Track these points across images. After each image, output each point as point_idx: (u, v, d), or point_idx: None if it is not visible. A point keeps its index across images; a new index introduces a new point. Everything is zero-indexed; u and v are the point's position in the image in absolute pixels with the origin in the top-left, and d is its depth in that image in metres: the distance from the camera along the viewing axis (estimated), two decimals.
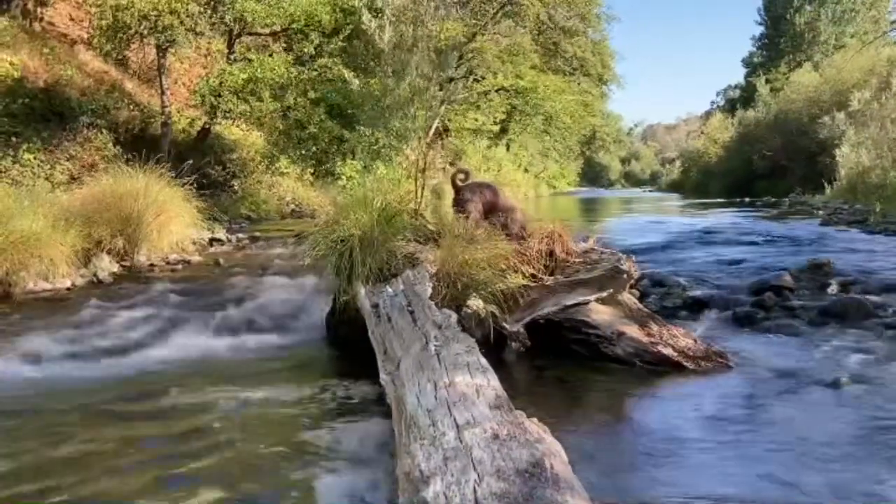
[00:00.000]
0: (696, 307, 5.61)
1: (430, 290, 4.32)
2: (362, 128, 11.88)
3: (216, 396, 3.77)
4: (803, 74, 32.00)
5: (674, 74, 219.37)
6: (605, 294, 4.41)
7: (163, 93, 13.30)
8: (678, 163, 60.67)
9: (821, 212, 15.64)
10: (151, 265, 7.88)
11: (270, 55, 13.74)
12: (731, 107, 50.76)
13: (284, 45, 15.67)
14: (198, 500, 2.60)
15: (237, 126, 15.82)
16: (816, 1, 42.89)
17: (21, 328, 5.15)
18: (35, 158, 10.88)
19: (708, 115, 61.42)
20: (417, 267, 4.67)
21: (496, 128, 32.58)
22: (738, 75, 73.71)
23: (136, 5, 11.23)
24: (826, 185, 20.05)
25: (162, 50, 12.83)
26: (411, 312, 3.89)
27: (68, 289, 6.63)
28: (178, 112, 14.98)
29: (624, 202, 34.53)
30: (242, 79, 12.82)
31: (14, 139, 11.02)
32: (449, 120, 24.68)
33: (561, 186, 50.80)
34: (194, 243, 9.14)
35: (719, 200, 26.70)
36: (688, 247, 9.60)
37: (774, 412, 3.41)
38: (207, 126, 14.82)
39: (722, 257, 8.18)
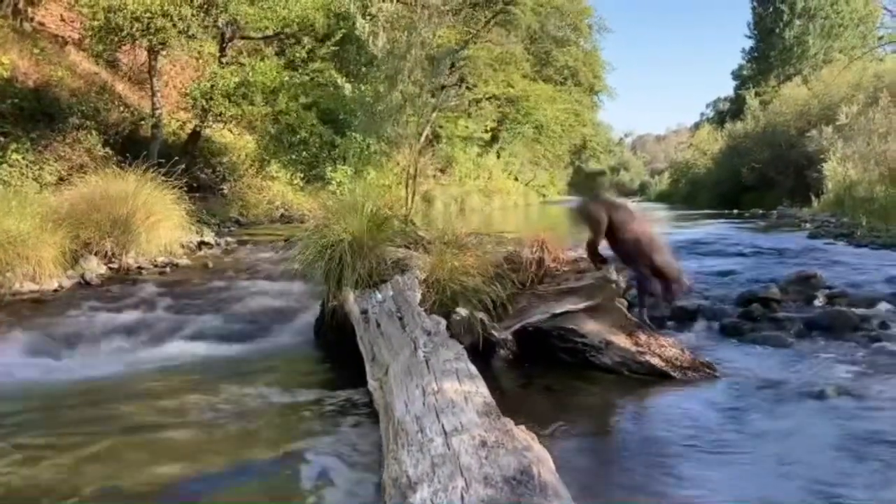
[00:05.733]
0: (683, 317, 5.63)
1: (419, 297, 4.32)
2: (354, 133, 11.90)
3: (200, 401, 3.75)
4: (792, 88, 32.23)
5: (664, 86, 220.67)
6: (593, 303, 4.42)
7: (154, 95, 13.25)
8: (667, 174, 60.91)
9: (808, 224, 15.73)
10: (139, 267, 7.83)
11: (262, 59, 13.73)
12: (720, 119, 51.05)
13: (277, 49, 15.67)
14: None
15: (228, 129, 15.79)
16: (805, 16, 43.24)
17: (6, 330, 5.10)
18: (23, 159, 10.79)
19: (697, 126, 61.76)
20: (407, 273, 4.68)
21: (487, 135, 32.63)
22: (727, 88, 74.24)
23: (129, 7, 11.20)
24: (814, 198, 20.16)
25: (153, 52, 12.79)
26: (400, 318, 3.89)
27: (55, 290, 6.58)
28: (169, 115, 14.93)
29: None
30: (234, 82, 12.80)
31: (2, 139, 10.94)
32: (440, 127, 24.72)
33: (551, 195, 50.89)
34: (183, 246, 9.10)
35: (708, 211, 26.81)
36: (676, 257, 9.63)
37: (760, 422, 3.43)
38: (198, 129, 14.78)
39: (710, 268, 8.21)
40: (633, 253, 4.41)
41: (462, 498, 1.84)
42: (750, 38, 49.10)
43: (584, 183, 4.68)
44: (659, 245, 4.43)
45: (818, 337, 5.05)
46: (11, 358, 4.47)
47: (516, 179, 39.92)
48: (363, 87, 12.52)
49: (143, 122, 14.12)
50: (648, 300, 4.56)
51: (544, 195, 48.02)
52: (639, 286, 4.66)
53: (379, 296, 4.42)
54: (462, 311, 4.26)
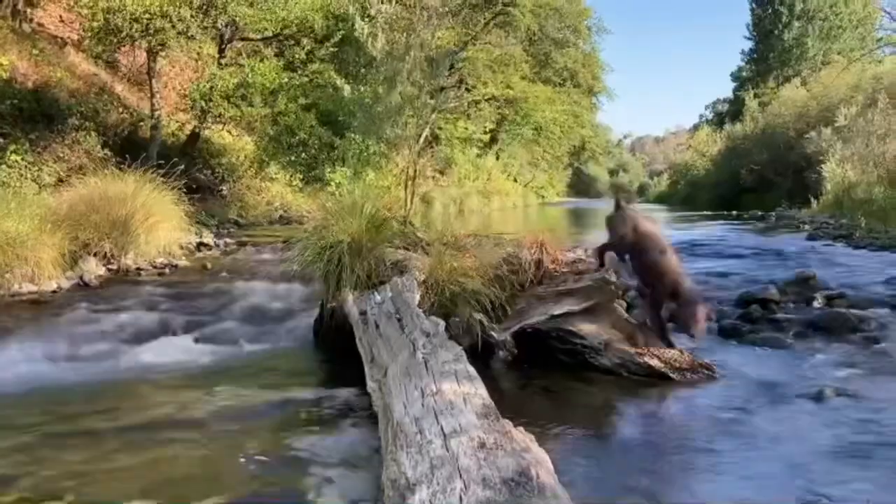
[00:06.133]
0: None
1: (418, 298, 4.32)
2: (353, 134, 11.90)
3: (200, 402, 3.74)
4: (791, 90, 32.28)
5: (663, 87, 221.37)
6: (592, 304, 4.42)
7: (153, 96, 13.26)
8: (666, 175, 60.97)
9: (807, 226, 15.73)
10: (138, 269, 7.83)
11: (261, 60, 13.74)
12: (719, 120, 51.09)
13: (276, 50, 15.68)
14: None
15: (227, 131, 15.81)
16: (804, 18, 43.31)
17: (3, 331, 5.10)
18: (22, 160, 10.80)
19: (696, 128, 61.77)
20: (406, 274, 4.68)
21: (486, 137, 32.65)
22: (726, 89, 74.16)
23: (128, 8, 11.21)
24: (812, 199, 20.18)
25: (153, 53, 12.80)
26: (399, 320, 3.88)
27: (54, 291, 6.58)
28: (168, 116, 14.94)
29: None
30: (233, 83, 12.82)
31: (1, 140, 10.94)
32: (439, 128, 24.74)
33: (549, 196, 50.93)
34: (182, 247, 9.11)
35: (706, 213, 26.80)
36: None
37: (759, 423, 3.43)
38: (197, 130, 14.80)
39: (708, 270, 8.22)
40: (649, 268, 4.39)
41: (461, 499, 1.85)
42: (749, 39, 49.19)
43: (612, 194, 4.63)
44: (677, 267, 4.39)
45: (817, 338, 5.05)
46: (9, 360, 4.46)
47: (515, 181, 39.95)
48: (362, 89, 12.53)
49: (142, 124, 14.14)
50: (647, 304, 4.54)
51: (543, 196, 48.08)
52: (640, 293, 4.67)
53: (378, 297, 4.42)
54: (461, 313, 4.26)
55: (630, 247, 4.42)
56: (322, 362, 4.87)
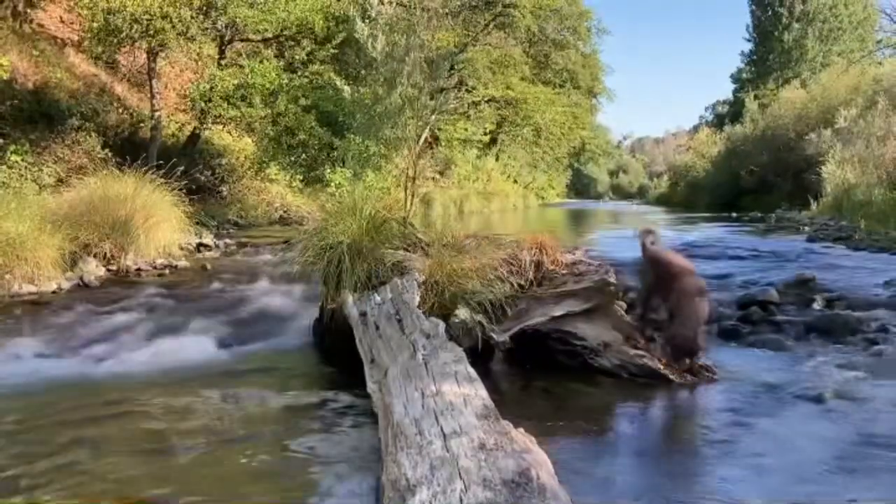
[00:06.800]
0: None
1: (418, 299, 4.32)
2: (353, 135, 11.89)
3: (199, 404, 3.74)
4: (791, 91, 32.29)
5: (663, 88, 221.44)
6: (592, 305, 4.42)
7: (153, 97, 13.27)
8: (666, 176, 60.96)
9: (807, 228, 15.74)
10: (138, 269, 7.83)
11: (261, 61, 13.74)
12: (719, 122, 51.12)
13: (276, 51, 15.68)
14: None
15: (227, 131, 15.81)
16: (804, 19, 43.36)
17: (3, 331, 5.10)
18: (22, 160, 10.80)
19: (696, 129, 61.80)
20: (406, 275, 4.67)
21: (486, 138, 32.63)
22: (726, 91, 74.21)
23: (128, 9, 11.22)
24: (812, 201, 20.18)
25: (153, 54, 12.81)
26: (399, 321, 3.88)
27: (54, 292, 6.58)
28: (168, 116, 14.94)
29: (612, 215, 34.65)
30: (233, 84, 12.82)
31: (1, 141, 10.95)
32: (439, 129, 24.73)
33: (550, 198, 50.88)
34: (182, 248, 9.12)
35: (706, 215, 26.78)
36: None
37: (758, 425, 3.43)
38: (197, 131, 14.80)
39: (708, 271, 8.21)
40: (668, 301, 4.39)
41: (461, 500, 1.85)
42: (749, 41, 49.24)
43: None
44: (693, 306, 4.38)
45: (816, 340, 5.05)
46: (8, 360, 4.46)
47: (515, 182, 39.92)
48: (362, 90, 12.53)
49: (142, 124, 14.15)
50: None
51: (543, 197, 48.05)
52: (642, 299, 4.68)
53: (378, 298, 4.42)
54: (461, 314, 4.26)
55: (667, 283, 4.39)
56: (322, 363, 4.87)
